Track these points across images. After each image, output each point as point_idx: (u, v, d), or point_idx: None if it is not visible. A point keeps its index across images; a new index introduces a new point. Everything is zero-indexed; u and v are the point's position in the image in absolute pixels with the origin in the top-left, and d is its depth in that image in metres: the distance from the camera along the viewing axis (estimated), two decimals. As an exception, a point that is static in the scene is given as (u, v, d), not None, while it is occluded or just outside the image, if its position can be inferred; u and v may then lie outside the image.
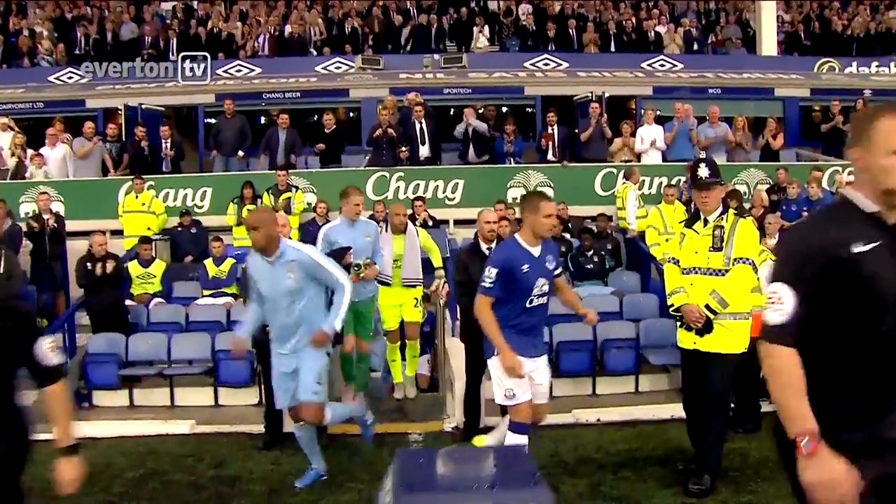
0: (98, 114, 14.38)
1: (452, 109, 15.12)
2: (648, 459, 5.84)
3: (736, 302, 5.13)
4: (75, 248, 10.51)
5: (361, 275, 6.51)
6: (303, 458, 5.69)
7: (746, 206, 10.99)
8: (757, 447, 5.87)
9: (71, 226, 11.85)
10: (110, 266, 8.96)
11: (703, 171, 5.20)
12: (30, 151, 12.61)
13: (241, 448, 6.39)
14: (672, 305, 5.37)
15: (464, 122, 12.75)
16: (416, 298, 7.84)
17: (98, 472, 5.87)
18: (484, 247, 6.47)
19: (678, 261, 5.38)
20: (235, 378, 8.23)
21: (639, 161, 12.83)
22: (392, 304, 7.68)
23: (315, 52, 17.70)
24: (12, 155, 12.54)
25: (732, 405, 5.95)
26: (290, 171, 11.97)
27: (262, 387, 7.35)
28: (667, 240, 10.25)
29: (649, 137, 12.82)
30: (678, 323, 5.37)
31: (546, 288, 4.98)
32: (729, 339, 5.14)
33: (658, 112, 13.48)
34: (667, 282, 5.46)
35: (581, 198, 12.36)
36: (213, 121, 14.47)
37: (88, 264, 9.11)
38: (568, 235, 11.30)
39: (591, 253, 10.15)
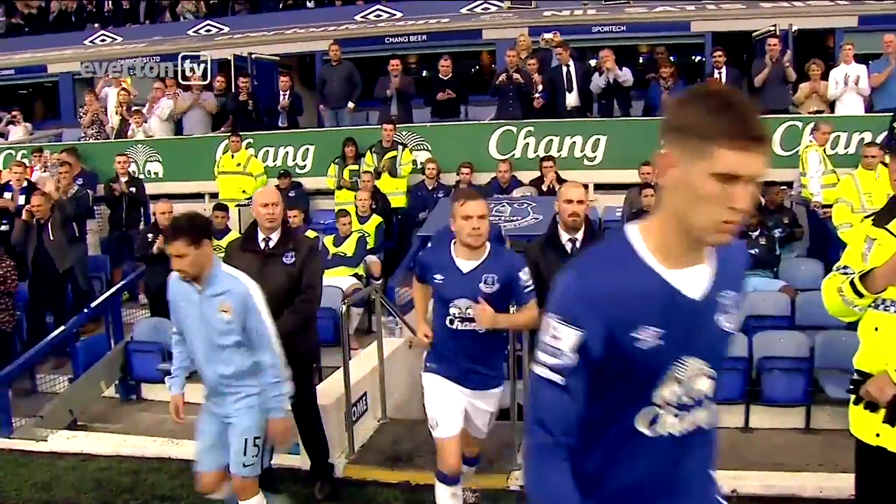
0: (212, 65, 13.36)
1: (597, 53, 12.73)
2: None
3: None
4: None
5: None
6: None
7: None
8: None
9: (170, 188, 11.00)
10: (161, 241, 7.74)
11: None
12: (133, 109, 11.81)
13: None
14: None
15: (603, 74, 10.20)
16: None
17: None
18: (564, 237, 4.46)
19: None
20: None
21: (832, 111, 10.07)
22: None
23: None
24: (116, 113, 11.80)
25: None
26: (396, 125, 10.32)
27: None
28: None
29: (845, 79, 9.93)
30: (852, 397, 3.15)
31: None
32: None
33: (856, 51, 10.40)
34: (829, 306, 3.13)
35: (755, 159, 9.81)
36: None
37: (150, 236, 8.00)
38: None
39: (756, 233, 7.77)
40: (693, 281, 1.70)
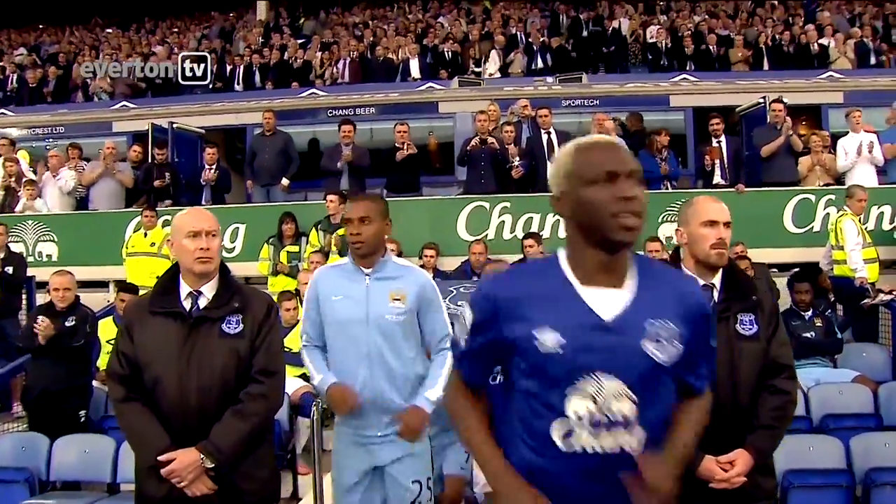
0: (127, 138, 11.62)
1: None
2: None
3: None
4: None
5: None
6: None
7: None
8: None
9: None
10: (43, 326, 5.75)
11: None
12: (25, 180, 9.90)
13: None
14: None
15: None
16: None
17: None
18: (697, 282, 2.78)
19: None
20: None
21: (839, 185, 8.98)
22: None
23: (401, 78, 14.59)
24: (1, 187, 9.89)
25: None
26: (346, 199, 8.70)
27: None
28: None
29: (857, 148, 8.86)
30: None
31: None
32: None
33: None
34: None
35: (765, 237, 8.59)
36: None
37: (40, 319, 5.97)
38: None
39: (808, 313, 6.32)
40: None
